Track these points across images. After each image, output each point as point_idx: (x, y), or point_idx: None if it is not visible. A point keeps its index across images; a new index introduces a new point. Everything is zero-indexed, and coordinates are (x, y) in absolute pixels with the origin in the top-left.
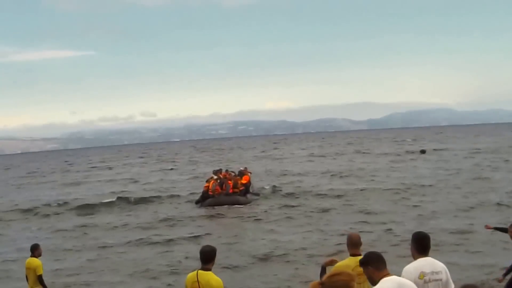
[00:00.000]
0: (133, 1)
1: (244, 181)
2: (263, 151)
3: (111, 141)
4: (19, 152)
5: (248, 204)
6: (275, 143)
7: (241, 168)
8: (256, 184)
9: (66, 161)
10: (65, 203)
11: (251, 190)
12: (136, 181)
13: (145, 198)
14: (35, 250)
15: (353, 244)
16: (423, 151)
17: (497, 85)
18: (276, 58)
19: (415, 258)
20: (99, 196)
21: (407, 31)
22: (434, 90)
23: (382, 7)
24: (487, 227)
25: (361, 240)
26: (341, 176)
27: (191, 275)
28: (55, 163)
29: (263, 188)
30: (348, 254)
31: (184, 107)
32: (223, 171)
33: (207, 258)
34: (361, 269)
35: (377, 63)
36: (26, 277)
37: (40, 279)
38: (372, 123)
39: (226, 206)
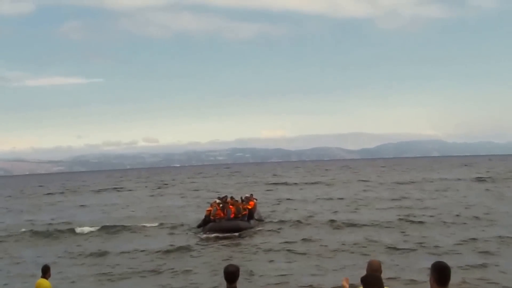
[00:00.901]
0: (139, 33)
1: (248, 207)
2: (274, 175)
3: (115, 165)
4: (27, 173)
5: (250, 230)
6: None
7: (247, 195)
8: (265, 211)
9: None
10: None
11: (256, 217)
12: (129, 206)
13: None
14: (46, 272)
15: (374, 270)
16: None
17: (487, 119)
18: (272, 88)
19: None
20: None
21: (399, 66)
22: (426, 122)
23: (375, 42)
24: None
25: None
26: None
27: None
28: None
29: (269, 215)
30: None
31: (185, 134)
32: (228, 197)
33: (233, 277)
34: None
35: (370, 95)
36: None
37: None
38: (364, 153)
39: (227, 232)
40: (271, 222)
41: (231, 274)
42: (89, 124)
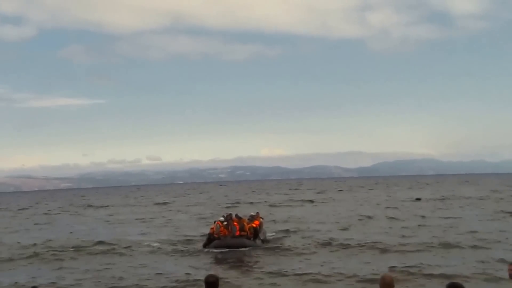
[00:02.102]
0: (139, 55)
1: (253, 225)
2: (286, 193)
3: (120, 182)
4: (36, 189)
5: (256, 248)
6: (296, 188)
7: (252, 213)
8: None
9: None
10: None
11: (261, 237)
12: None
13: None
14: None
15: (387, 285)
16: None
17: (481, 138)
18: (271, 108)
19: None
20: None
21: (395, 86)
22: (421, 141)
23: (367, 63)
24: None
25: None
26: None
27: None
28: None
29: (276, 232)
30: None
31: (187, 152)
32: (233, 215)
33: (213, 287)
34: None
35: (367, 115)
36: None
37: None
38: (362, 171)
39: (232, 250)
40: (279, 242)
41: (212, 284)
42: (95, 143)
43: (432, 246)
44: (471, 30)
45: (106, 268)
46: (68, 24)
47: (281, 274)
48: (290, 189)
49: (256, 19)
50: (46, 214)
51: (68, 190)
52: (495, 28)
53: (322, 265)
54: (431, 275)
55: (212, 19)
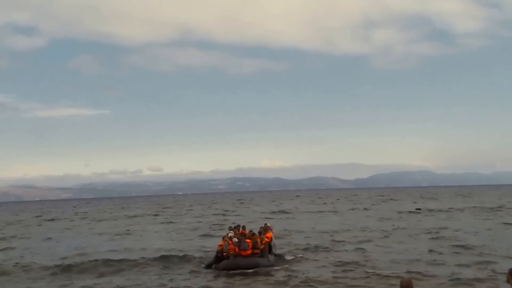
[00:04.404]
0: (147, 67)
1: (266, 240)
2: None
3: (121, 192)
4: (38, 199)
5: (271, 268)
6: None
7: (262, 225)
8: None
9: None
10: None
11: (273, 251)
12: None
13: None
14: None
15: (405, 287)
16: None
17: (473, 151)
18: (271, 121)
19: None
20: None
21: (392, 101)
22: (416, 154)
23: (369, 78)
24: None
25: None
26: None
27: None
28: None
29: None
30: None
31: (187, 163)
32: (241, 227)
33: None
34: None
35: (363, 128)
36: None
37: None
38: (358, 182)
39: (244, 270)
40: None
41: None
42: (97, 153)
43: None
44: (470, 47)
45: None
46: (78, 35)
47: None
48: (290, 199)
49: (263, 35)
50: None
51: (68, 201)
52: (493, 46)
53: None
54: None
55: (221, 33)
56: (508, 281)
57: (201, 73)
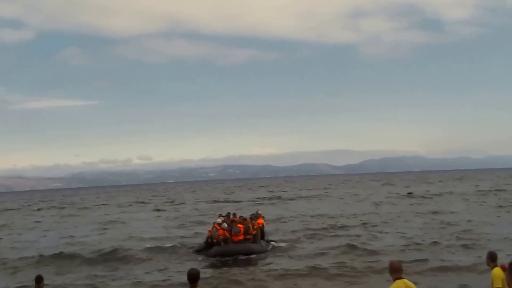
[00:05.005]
0: (135, 58)
1: (258, 225)
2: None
3: (111, 181)
4: (27, 189)
5: (264, 254)
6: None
7: (253, 212)
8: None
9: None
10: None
11: (265, 237)
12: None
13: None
14: (40, 281)
15: (395, 270)
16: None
17: (465, 136)
18: (261, 108)
19: None
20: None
21: (383, 88)
22: (407, 139)
23: (359, 66)
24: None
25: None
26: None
27: None
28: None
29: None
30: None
31: (177, 152)
32: (231, 215)
33: (195, 279)
34: None
35: (354, 114)
36: None
37: None
38: (349, 168)
39: (236, 256)
40: (284, 242)
41: (193, 276)
42: (86, 143)
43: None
44: (460, 35)
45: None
46: (67, 27)
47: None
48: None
49: (253, 25)
50: None
51: (58, 190)
52: (483, 33)
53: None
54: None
55: (210, 24)
56: (488, 265)
57: (190, 64)
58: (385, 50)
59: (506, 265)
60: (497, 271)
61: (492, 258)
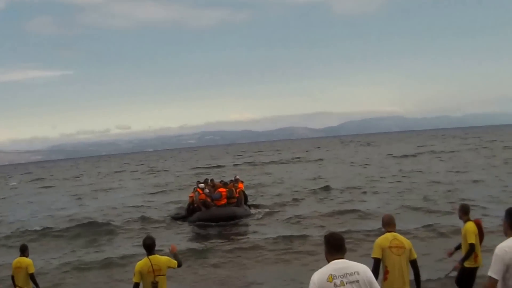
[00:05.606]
0: (106, 25)
1: (239, 190)
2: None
3: (90, 152)
4: (7, 163)
5: (248, 218)
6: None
7: (232, 178)
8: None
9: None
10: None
11: (247, 202)
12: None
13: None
14: (25, 250)
15: (387, 223)
16: None
17: (444, 94)
18: (238, 73)
19: (508, 236)
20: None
21: (358, 46)
22: (386, 100)
23: (333, 24)
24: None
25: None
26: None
27: (144, 262)
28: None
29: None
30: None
31: (156, 120)
32: (209, 181)
33: (152, 247)
34: (398, 242)
35: (332, 75)
36: (12, 278)
37: (32, 277)
38: (328, 131)
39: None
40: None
41: (149, 246)
42: (63, 114)
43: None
44: None
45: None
46: None
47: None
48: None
49: None
50: None
51: (38, 163)
52: None
53: None
54: None
55: None
56: (460, 218)
57: (161, 28)
58: (358, 6)
59: (480, 220)
60: (471, 225)
61: (464, 211)
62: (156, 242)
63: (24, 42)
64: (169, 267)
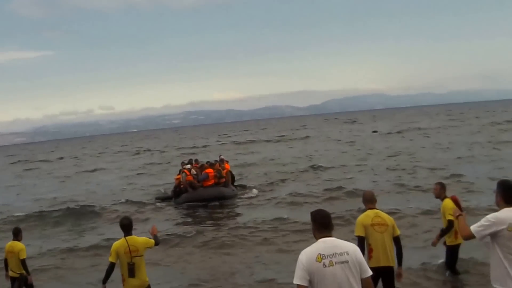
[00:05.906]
0: (87, 5)
1: (226, 170)
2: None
3: (74, 133)
4: None
5: (236, 199)
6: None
7: (217, 159)
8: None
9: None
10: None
11: (234, 183)
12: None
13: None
14: (18, 234)
15: (368, 200)
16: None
17: (426, 71)
18: (221, 51)
19: (500, 208)
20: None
21: (341, 22)
22: (369, 77)
23: (315, 2)
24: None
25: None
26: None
27: (120, 242)
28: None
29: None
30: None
31: (139, 100)
32: (193, 161)
33: (129, 228)
34: (380, 219)
35: (314, 53)
36: (5, 261)
37: (23, 263)
38: (312, 109)
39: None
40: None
41: (126, 226)
42: (46, 95)
43: None
44: None
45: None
46: None
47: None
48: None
49: None
50: None
51: (21, 145)
52: None
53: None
54: None
55: None
56: (438, 196)
57: (143, 8)
58: None
59: (457, 196)
60: (448, 202)
61: (443, 189)
62: (142, 225)
63: (5, 23)
64: (147, 247)
